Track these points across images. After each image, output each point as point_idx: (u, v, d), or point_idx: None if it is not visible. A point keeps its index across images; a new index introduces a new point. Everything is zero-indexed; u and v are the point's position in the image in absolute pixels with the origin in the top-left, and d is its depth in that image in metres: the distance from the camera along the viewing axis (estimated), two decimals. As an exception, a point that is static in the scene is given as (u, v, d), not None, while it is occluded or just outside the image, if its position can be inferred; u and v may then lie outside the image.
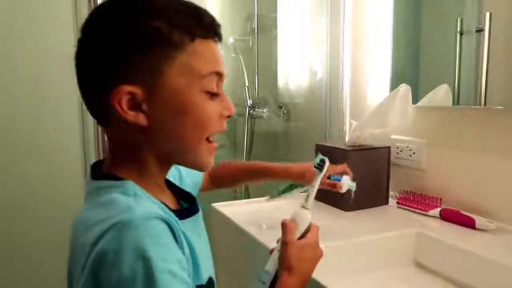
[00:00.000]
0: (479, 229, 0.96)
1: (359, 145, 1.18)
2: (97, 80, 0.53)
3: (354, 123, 1.24)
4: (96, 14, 0.55)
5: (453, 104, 1.11)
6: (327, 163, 0.70)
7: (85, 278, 0.45)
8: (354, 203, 1.09)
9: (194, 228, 0.61)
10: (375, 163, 1.18)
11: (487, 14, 0.99)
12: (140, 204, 0.51)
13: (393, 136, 1.23)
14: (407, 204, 1.12)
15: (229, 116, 0.59)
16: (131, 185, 0.53)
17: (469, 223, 0.97)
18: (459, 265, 0.85)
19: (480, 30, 1.01)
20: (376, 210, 1.14)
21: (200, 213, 0.67)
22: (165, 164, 0.60)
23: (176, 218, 0.54)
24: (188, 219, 0.61)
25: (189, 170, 0.73)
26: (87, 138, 1.16)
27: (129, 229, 0.45)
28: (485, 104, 1.02)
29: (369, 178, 1.14)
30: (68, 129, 1.22)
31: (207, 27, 0.55)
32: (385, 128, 1.17)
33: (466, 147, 1.07)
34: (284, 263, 0.63)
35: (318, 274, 0.74)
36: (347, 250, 0.91)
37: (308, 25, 1.67)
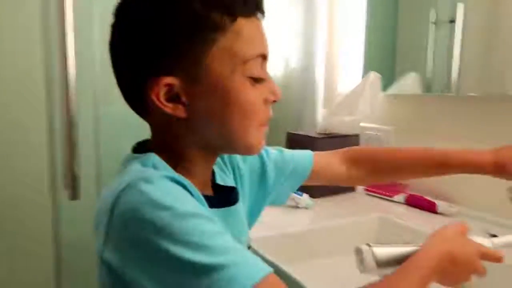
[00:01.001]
0: (440, 213, 0.99)
1: (329, 133, 1.20)
2: (132, 71, 0.50)
3: (325, 111, 1.26)
4: (127, 3, 0.50)
5: (426, 92, 1.13)
6: None
7: (113, 240, 0.44)
8: (323, 190, 1.11)
9: (224, 221, 0.54)
10: (344, 150, 1.20)
11: (460, 5, 1.02)
12: (155, 170, 0.49)
13: (362, 124, 1.25)
14: (374, 190, 1.15)
15: (275, 101, 0.54)
16: (153, 157, 0.50)
17: (431, 208, 1.00)
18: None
19: (453, 21, 1.04)
20: (344, 197, 1.16)
21: (239, 207, 0.60)
22: (209, 154, 0.56)
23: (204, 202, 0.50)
24: (218, 210, 0.55)
25: (278, 159, 0.69)
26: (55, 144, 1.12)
27: (142, 185, 0.43)
28: (457, 92, 1.04)
29: (338, 165, 1.16)
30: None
31: (249, 3, 0.50)
32: (354, 116, 1.19)
33: (433, 134, 1.10)
34: (441, 231, 0.54)
35: (280, 259, 0.76)
36: (312, 235, 0.93)
37: (282, 14, 1.67)
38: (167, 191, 0.44)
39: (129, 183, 0.44)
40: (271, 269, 0.41)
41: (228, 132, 0.51)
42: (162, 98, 0.48)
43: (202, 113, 0.50)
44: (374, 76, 1.17)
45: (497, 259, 0.54)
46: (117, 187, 0.45)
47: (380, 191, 1.13)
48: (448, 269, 0.51)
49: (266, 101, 0.53)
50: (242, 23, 0.49)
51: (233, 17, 0.48)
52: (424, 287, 0.48)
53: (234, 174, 0.65)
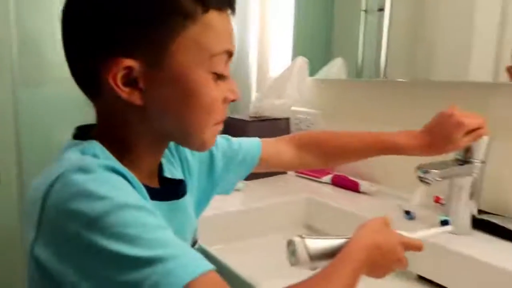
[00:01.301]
0: (363, 192, 1.05)
1: (260, 117, 1.22)
2: (88, 48, 0.46)
3: (258, 95, 1.28)
4: None
5: (356, 77, 1.18)
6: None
7: (45, 234, 0.41)
8: (255, 173, 1.14)
9: (169, 214, 0.53)
10: (275, 133, 1.21)
11: None
12: (94, 159, 0.46)
13: (293, 108, 1.28)
14: (304, 172, 1.19)
15: (233, 100, 0.52)
16: (95, 145, 0.47)
17: (354, 187, 1.06)
18: (343, 224, 0.93)
19: (381, 9, 1.08)
20: (275, 179, 1.19)
21: (186, 200, 0.59)
22: (158, 145, 0.54)
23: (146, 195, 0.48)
24: (164, 203, 0.53)
25: (226, 150, 0.67)
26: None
27: (77, 175, 0.40)
28: (385, 77, 1.09)
29: (269, 148, 1.19)
30: None
31: None
32: (285, 100, 1.22)
33: (360, 118, 1.15)
34: (368, 224, 0.55)
35: (211, 241, 0.77)
36: (243, 216, 0.96)
37: None
38: (104, 181, 0.41)
39: (63, 172, 0.41)
40: (212, 266, 0.40)
41: (184, 126, 0.50)
42: (119, 81, 0.45)
43: (159, 103, 0.47)
44: (301, 60, 1.20)
45: (418, 248, 0.57)
46: (50, 176, 0.42)
47: (309, 173, 1.18)
48: (376, 260, 0.52)
49: (225, 100, 0.51)
50: (214, 16, 0.47)
51: (206, 8, 0.46)
52: (356, 280, 0.49)
53: (182, 166, 0.63)
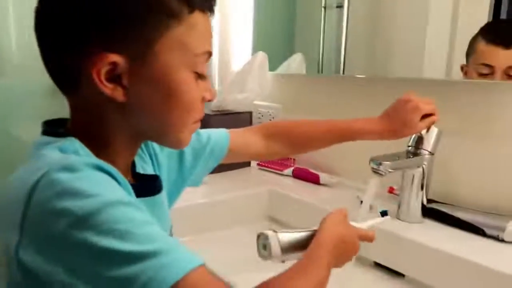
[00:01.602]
0: (323, 184, 1.09)
1: (223, 110, 1.24)
2: (72, 42, 0.45)
3: (219, 88, 1.28)
4: None
5: (317, 72, 1.21)
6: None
7: (30, 235, 0.40)
8: (218, 166, 1.15)
9: (149, 210, 0.52)
10: (238, 127, 1.23)
11: None
12: (78, 157, 0.45)
13: (255, 102, 1.30)
14: (266, 165, 1.22)
15: (210, 100, 0.53)
16: (74, 142, 0.46)
17: (315, 179, 1.10)
18: (305, 216, 0.97)
19: (340, 6, 1.11)
20: (238, 172, 1.20)
21: (163, 195, 0.59)
22: (135, 143, 0.54)
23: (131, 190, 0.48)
24: (143, 199, 0.53)
25: (194, 143, 0.67)
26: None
27: (63, 174, 0.40)
28: (343, 73, 1.13)
29: (231, 142, 1.21)
30: None
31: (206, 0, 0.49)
32: (247, 94, 1.24)
33: (319, 112, 1.19)
34: (328, 219, 0.57)
35: (175, 234, 0.78)
36: (205, 209, 0.97)
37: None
38: (91, 179, 0.41)
39: (47, 171, 0.40)
40: (202, 261, 0.40)
41: (163, 124, 0.50)
42: (102, 77, 0.45)
43: (140, 100, 0.47)
44: (262, 55, 1.22)
45: (372, 239, 0.61)
46: (31, 177, 0.41)
47: (271, 166, 1.20)
48: (341, 252, 0.55)
49: (203, 99, 0.52)
50: (198, 17, 0.48)
51: (192, 9, 0.47)
52: (329, 271, 0.50)
53: (152, 161, 0.63)
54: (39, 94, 1.49)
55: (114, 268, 0.37)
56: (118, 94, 0.46)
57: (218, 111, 1.23)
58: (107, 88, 0.46)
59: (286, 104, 1.27)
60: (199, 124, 0.54)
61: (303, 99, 1.25)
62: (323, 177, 1.08)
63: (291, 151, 0.84)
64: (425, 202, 0.84)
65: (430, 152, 0.82)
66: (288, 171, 1.16)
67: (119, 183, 0.44)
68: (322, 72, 1.21)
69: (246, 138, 0.78)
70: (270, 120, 1.31)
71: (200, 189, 1.04)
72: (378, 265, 0.83)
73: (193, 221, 0.93)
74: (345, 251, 0.57)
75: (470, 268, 0.70)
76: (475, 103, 0.88)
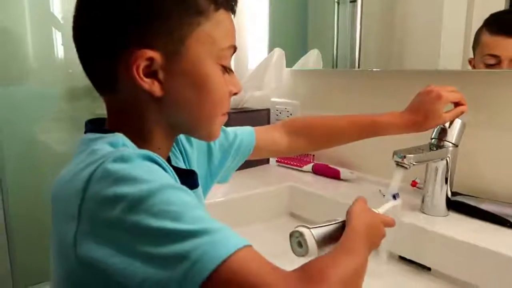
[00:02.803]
0: (343, 180, 1.08)
1: (242, 108, 1.24)
2: (112, 42, 0.48)
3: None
4: None
5: (333, 67, 1.21)
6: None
7: (86, 224, 0.41)
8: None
9: None
10: (257, 124, 1.23)
11: None
12: (130, 149, 0.48)
13: (272, 99, 1.30)
14: (285, 161, 1.22)
15: (236, 93, 0.56)
16: (121, 137, 0.49)
17: (335, 175, 1.09)
18: (326, 212, 0.97)
19: (353, 1, 1.10)
20: (257, 169, 1.21)
21: (199, 190, 0.62)
22: (171, 136, 0.56)
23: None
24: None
25: (222, 140, 0.70)
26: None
27: (118, 163, 0.42)
28: (359, 67, 1.12)
29: (250, 139, 1.21)
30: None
31: (231, 0, 0.53)
32: (264, 91, 1.24)
33: (336, 107, 1.19)
34: (352, 209, 0.58)
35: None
36: (228, 205, 0.98)
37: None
38: (144, 168, 0.43)
39: (103, 162, 0.43)
40: (249, 243, 0.41)
41: (196, 116, 0.53)
42: (141, 72, 0.48)
43: (174, 94, 0.50)
44: (279, 52, 1.22)
45: (392, 225, 0.63)
46: (86, 169, 0.43)
47: (291, 162, 1.20)
48: (371, 236, 0.56)
49: (230, 93, 0.54)
50: (223, 14, 0.51)
51: (217, 7, 0.50)
52: (368, 255, 0.52)
53: (183, 157, 0.65)
54: (57, 99, 1.52)
55: (167, 246, 0.39)
56: (156, 89, 0.49)
57: (236, 109, 1.23)
58: (146, 83, 0.48)
59: (304, 100, 1.27)
60: (226, 117, 0.56)
61: (320, 94, 1.25)
62: (344, 172, 1.08)
63: (314, 147, 0.84)
64: (449, 195, 0.84)
65: (454, 144, 0.81)
66: (308, 167, 1.16)
67: (167, 172, 0.46)
68: (337, 67, 1.20)
69: (270, 135, 0.79)
70: (288, 116, 1.31)
71: (221, 187, 1.05)
72: (403, 259, 0.83)
73: (216, 217, 0.93)
74: (375, 236, 0.58)
75: (498, 259, 0.69)
76: (494, 93, 0.87)
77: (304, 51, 1.27)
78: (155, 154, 0.46)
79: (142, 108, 0.51)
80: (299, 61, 1.27)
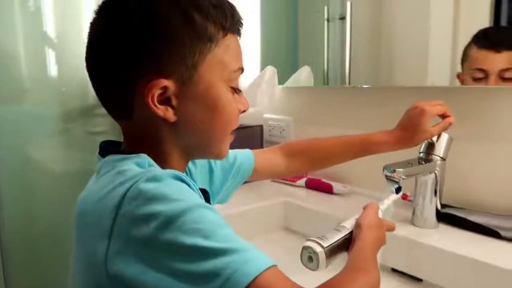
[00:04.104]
0: (336, 194, 1.10)
1: (234, 125, 1.26)
2: (127, 74, 0.50)
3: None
4: (123, 0, 0.51)
5: (324, 84, 1.23)
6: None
7: (118, 243, 0.43)
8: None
9: None
10: (250, 140, 1.28)
11: (348, 3, 1.11)
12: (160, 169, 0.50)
13: (265, 115, 1.33)
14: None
15: (244, 111, 0.59)
16: (147, 158, 0.51)
17: (328, 189, 1.11)
18: (320, 226, 0.98)
19: (343, 18, 1.13)
20: (252, 185, 1.21)
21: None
22: (186, 157, 0.58)
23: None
24: None
25: (223, 162, 0.72)
26: None
27: (150, 182, 0.44)
28: (349, 84, 1.15)
29: (244, 155, 1.23)
30: None
31: (237, 22, 0.55)
32: (257, 108, 1.26)
33: (327, 123, 1.21)
34: (364, 222, 0.60)
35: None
36: (226, 220, 0.99)
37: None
38: (175, 187, 0.45)
39: (136, 182, 0.44)
40: (276, 263, 0.43)
41: (208, 137, 0.55)
42: (155, 101, 0.50)
43: (187, 117, 0.52)
44: (271, 70, 1.25)
45: (393, 229, 0.67)
46: (118, 188, 0.45)
47: (284, 177, 1.22)
48: (376, 249, 0.58)
49: (238, 112, 0.57)
50: (231, 38, 0.54)
51: (226, 32, 0.53)
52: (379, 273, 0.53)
53: (189, 177, 0.68)
54: (50, 117, 1.53)
55: (200, 263, 0.41)
56: (170, 115, 0.51)
57: (230, 125, 1.25)
58: (160, 111, 0.50)
59: (296, 116, 1.30)
60: (234, 135, 0.59)
61: (312, 110, 1.27)
62: (336, 186, 1.10)
63: (311, 168, 0.88)
64: (439, 207, 0.86)
65: (441, 158, 0.84)
66: (301, 181, 1.18)
67: (194, 191, 0.48)
68: (328, 84, 1.23)
69: (268, 158, 0.82)
70: (281, 132, 1.33)
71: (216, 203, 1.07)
72: (395, 271, 0.85)
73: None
74: (379, 246, 0.60)
75: (488, 270, 0.71)
76: (481, 108, 0.90)
77: (295, 68, 1.30)
78: (183, 174, 0.48)
79: (158, 132, 0.53)
80: (291, 78, 1.30)
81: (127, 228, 0.43)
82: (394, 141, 0.81)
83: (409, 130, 0.80)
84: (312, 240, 0.58)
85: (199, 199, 0.46)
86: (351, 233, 0.60)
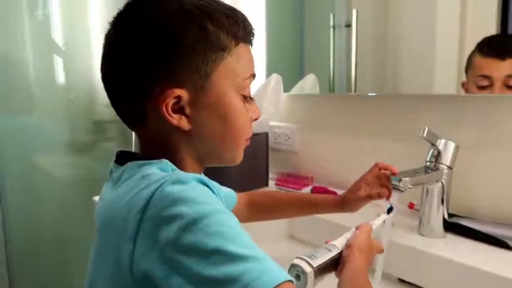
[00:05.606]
0: (342, 202, 1.09)
1: (240, 132, 1.26)
2: (142, 84, 0.52)
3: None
4: (138, 12, 0.52)
5: (329, 91, 1.23)
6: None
7: (143, 245, 0.43)
8: (236, 186, 1.17)
9: None
10: (255, 148, 1.27)
11: (354, 11, 1.11)
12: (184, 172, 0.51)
13: (271, 123, 1.33)
14: (284, 184, 1.23)
15: (256, 119, 0.60)
16: (168, 163, 0.52)
17: (334, 197, 1.11)
18: (325, 234, 0.97)
19: (348, 25, 1.13)
20: (257, 192, 1.23)
21: None
22: (201, 165, 0.59)
23: None
24: None
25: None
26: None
27: (176, 185, 0.45)
28: (355, 92, 1.15)
29: (250, 163, 1.22)
30: None
31: (249, 32, 0.56)
32: (263, 115, 1.26)
33: (332, 130, 1.21)
34: (356, 244, 0.61)
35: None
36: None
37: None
38: (199, 190, 0.46)
39: (161, 185, 0.45)
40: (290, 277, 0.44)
41: (222, 145, 0.56)
42: (169, 109, 0.51)
43: (201, 125, 0.53)
44: (276, 78, 1.25)
45: (382, 251, 0.68)
46: (143, 192, 0.45)
47: (290, 185, 1.22)
48: (366, 270, 0.59)
49: (251, 119, 0.59)
50: (243, 47, 0.55)
51: (238, 42, 0.54)
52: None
53: None
54: (58, 124, 1.54)
55: (220, 266, 0.41)
56: (184, 123, 0.53)
57: (235, 133, 1.25)
58: (175, 120, 0.52)
59: (301, 124, 1.30)
60: (248, 142, 0.60)
61: (317, 118, 1.27)
62: (342, 194, 1.09)
63: (260, 218, 0.91)
64: (446, 217, 0.85)
65: (448, 167, 0.83)
66: (307, 189, 1.18)
67: (216, 196, 0.48)
68: (333, 91, 1.23)
69: (239, 202, 0.86)
70: (286, 140, 1.33)
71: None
72: (402, 281, 0.84)
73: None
74: (368, 267, 0.61)
75: (496, 281, 0.70)
76: (488, 116, 0.89)
77: (301, 76, 1.30)
78: (207, 178, 0.49)
79: (173, 140, 0.54)
80: (296, 85, 1.30)
81: (152, 230, 0.43)
82: (333, 204, 0.85)
83: (347, 199, 0.84)
84: (302, 259, 0.57)
85: (221, 205, 0.47)
86: (340, 253, 0.60)
